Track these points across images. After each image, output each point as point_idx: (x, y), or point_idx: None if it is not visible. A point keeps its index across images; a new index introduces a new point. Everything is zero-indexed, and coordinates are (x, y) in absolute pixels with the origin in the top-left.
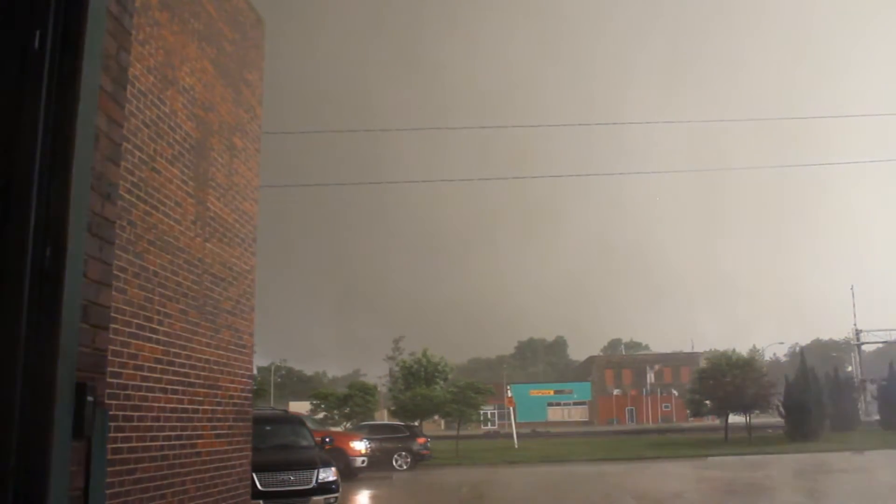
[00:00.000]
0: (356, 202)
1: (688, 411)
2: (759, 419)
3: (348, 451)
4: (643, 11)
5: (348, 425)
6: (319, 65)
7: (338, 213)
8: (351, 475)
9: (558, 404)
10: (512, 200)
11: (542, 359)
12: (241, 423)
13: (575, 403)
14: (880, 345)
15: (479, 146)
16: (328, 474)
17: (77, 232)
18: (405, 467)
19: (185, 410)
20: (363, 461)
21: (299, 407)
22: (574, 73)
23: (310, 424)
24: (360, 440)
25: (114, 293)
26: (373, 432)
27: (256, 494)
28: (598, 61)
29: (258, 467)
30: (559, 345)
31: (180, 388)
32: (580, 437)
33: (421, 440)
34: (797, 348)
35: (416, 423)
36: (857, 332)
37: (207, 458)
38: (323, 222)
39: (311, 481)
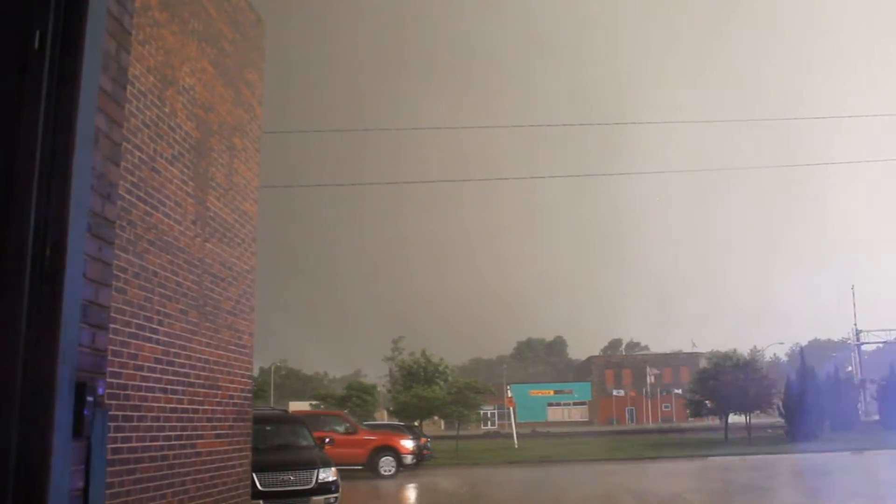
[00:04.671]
0: (357, 203)
1: (688, 411)
2: (758, 419)
3: (399, 448)
4: (643, 12)
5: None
6: (320, 63)
7: (338, 214)
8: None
9: (558, 404)
10: (512, 200)
11: (542, 359)
12: (241, 423)
13: (575, 403)
14: (880, 345)
15: (478, 147)
16: (328, 474)
17: (77, 232)
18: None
19: (185, 410)
20: (412, 458)
21: (299, 407)
22: (573, 72)
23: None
24: (409, 438)
25: (114, 293)
26: None
27: (256, 494)
28: (596, 61)
29: (258, 467)
30: (559, 345)
31: (180, 388)
32: (580, 438)
33: (421, 440)
34: (797, 348)
35: (416, 424)
36: (857, 332)
37: (207, 458)
38: (323, 223)
39: (311, 481)
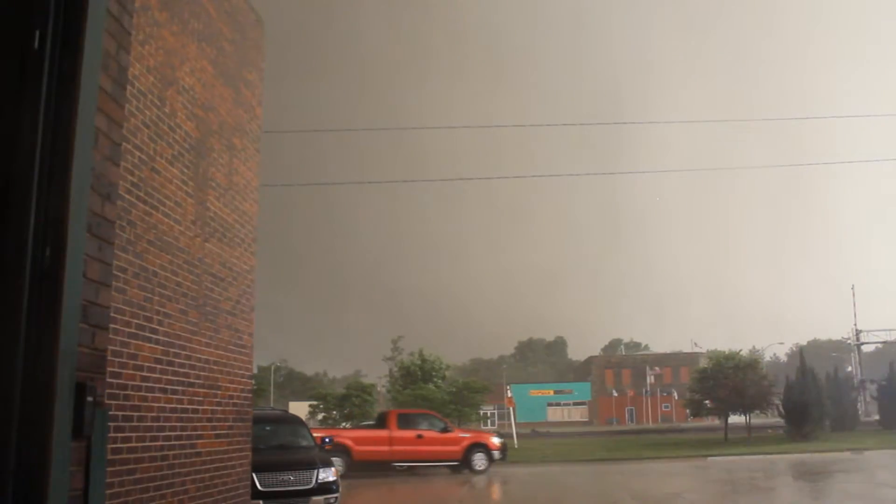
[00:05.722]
0: (357, 202)
1: (687, 411)
2: (759, 419)
3: (490, 445)
4: (644, 12)
5: (347, 425)
6: (320, 62)
7: (338, 213)
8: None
9: (558, 404)
10: (513, 200)
11: (542, 359)
12: (241, 423)
13: (575, 403)
14: (880, 345)
15: (479, 145)
16: (328, 474)
17: (77, 232)
18: (405, 467)
19: (185, 410)
20: (499, 454)
21: (299, 407)
22: (574, 72)
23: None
24: (496, 436)
25: (114, 293)
26: None
27: (256, 494)
28: (596, 61)
29: (258, 467)
30: (559, 345)
31: (180, 388)
32: (580, 438)
33: None
34: (797, 348)
35: None
36: (857, 332)
37: (207, 458)
38: (323, 222)
39: (311, 481)
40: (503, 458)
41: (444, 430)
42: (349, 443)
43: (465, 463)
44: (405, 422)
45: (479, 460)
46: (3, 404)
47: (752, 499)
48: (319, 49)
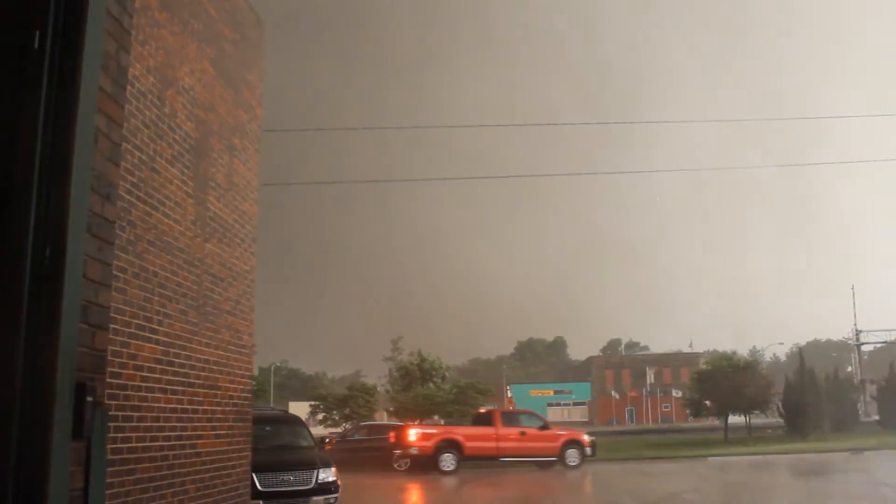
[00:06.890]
0: (356, 201)
1: (687, 412)
2: (759, 419)
3: (583, 442)
4: (644, 12)
5: (347, 426)
6: (320, 63)
7: (338, 212)
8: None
9: (558, 404)
10: (512, 199)
11: (542, 359)
12: (240, 423)
13: (575, 404)
14: (880, 345)
15: (478, 145)
16: (328, 474)
17: (77, 232)
18: (405, 468)
19: (184, 410)
20: (590, 450)
21: (299, 407)
22: (573, 72)
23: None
24: (587, 434)
25: (114, 293)
26: (372, 433)
27: (256, 495)
28: (595, 61)
29: (258, 467)
30: (559, 345)
31: (180, 388)
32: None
33: None
34: (797, 348)
35: (417, 423)
36: (857, 332)
37: (207, 458)
38: (323, 222)
39: (310, 481)
40: (593, 455)
41: (543, 428)
42: (460, 439)
43: (560, 459)
44: (509, 420)
45: (572, 456)
46: (3, 404)
47: (751, 499)
48: (326, 45)
